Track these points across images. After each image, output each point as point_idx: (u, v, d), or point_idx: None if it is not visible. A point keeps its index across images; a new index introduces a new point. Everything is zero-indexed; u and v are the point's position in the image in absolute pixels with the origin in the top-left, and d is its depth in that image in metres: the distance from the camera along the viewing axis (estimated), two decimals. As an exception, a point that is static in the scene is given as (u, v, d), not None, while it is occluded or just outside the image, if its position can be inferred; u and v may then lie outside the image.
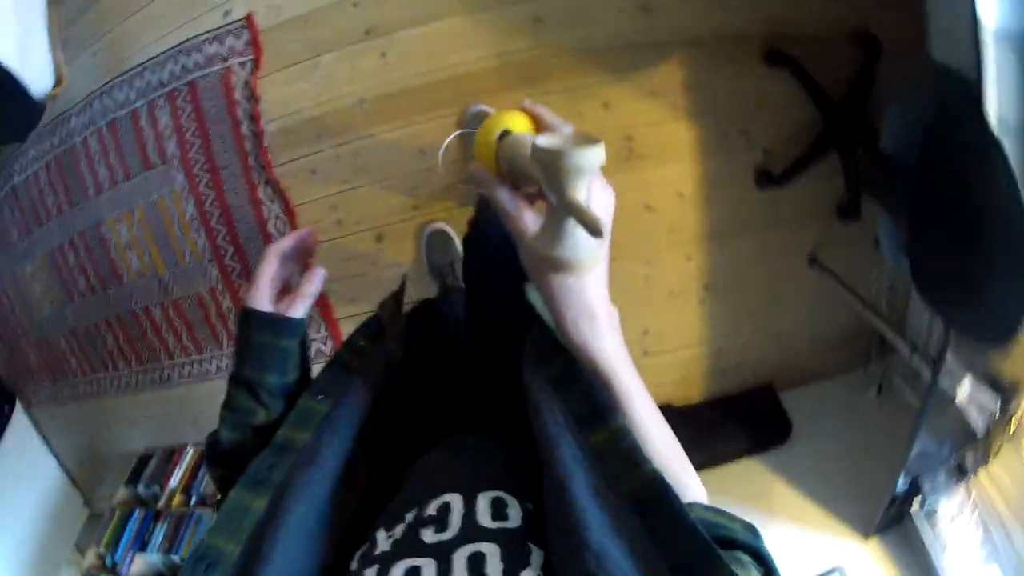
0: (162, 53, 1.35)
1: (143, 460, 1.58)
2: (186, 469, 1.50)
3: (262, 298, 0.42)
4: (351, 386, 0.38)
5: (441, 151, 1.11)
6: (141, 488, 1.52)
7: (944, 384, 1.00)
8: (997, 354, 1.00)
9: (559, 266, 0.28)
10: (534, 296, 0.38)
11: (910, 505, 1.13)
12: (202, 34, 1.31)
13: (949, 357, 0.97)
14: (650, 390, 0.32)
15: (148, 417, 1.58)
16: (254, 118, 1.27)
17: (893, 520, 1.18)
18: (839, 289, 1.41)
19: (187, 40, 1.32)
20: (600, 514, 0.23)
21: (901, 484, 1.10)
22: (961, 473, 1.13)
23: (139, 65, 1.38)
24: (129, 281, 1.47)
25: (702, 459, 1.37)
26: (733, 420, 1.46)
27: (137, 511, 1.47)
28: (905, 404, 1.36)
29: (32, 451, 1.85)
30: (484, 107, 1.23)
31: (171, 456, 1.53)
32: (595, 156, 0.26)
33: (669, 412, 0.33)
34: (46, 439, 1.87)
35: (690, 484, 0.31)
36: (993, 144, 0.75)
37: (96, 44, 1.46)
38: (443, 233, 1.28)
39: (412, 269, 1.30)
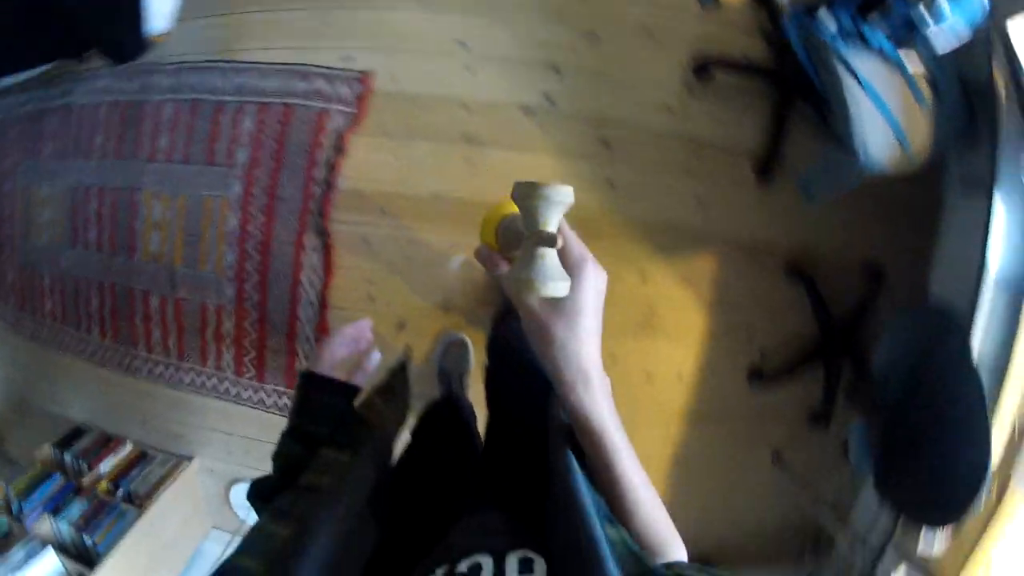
0: (272, 64, 1.35)
1: (76, 432, 1.47)
2: (121, 461, 1.40)
3: (327, 368, 0.51)
4: (370, 439, 0.43)
5: (456, 264, 1.15)
6: (68, 457, 1.41)
7: (880, 573, 1.04)
8: (932, 549, 1.06)
9: (530, 287, 0.32)
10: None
11: None
12: (318, 66, 1.32)
13: (889, 549, 1.03)
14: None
15: (98, 394, 1.49)
16: (333, 167, 1.26)
17: None
18: (792, 487, 1.46)
19: (301, 64, 1.33)
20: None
21: None
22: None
23: (246, 62, 1.37)
24: (140, 259, 1.41)
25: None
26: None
27: (58, 475, 1.37)
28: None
29: (-39, 358, 1.73)
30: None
31: (107, 442, 1.44)
32: (562, 191, 0.32)
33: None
34: (-18, 355, 1.75)
35: (671, 541, 0.36)
36: (973, 379, 0.84)
37: (213, 18, 1.45)
38: (462, 343, 1.26)
39: (423, 367, 1.27)
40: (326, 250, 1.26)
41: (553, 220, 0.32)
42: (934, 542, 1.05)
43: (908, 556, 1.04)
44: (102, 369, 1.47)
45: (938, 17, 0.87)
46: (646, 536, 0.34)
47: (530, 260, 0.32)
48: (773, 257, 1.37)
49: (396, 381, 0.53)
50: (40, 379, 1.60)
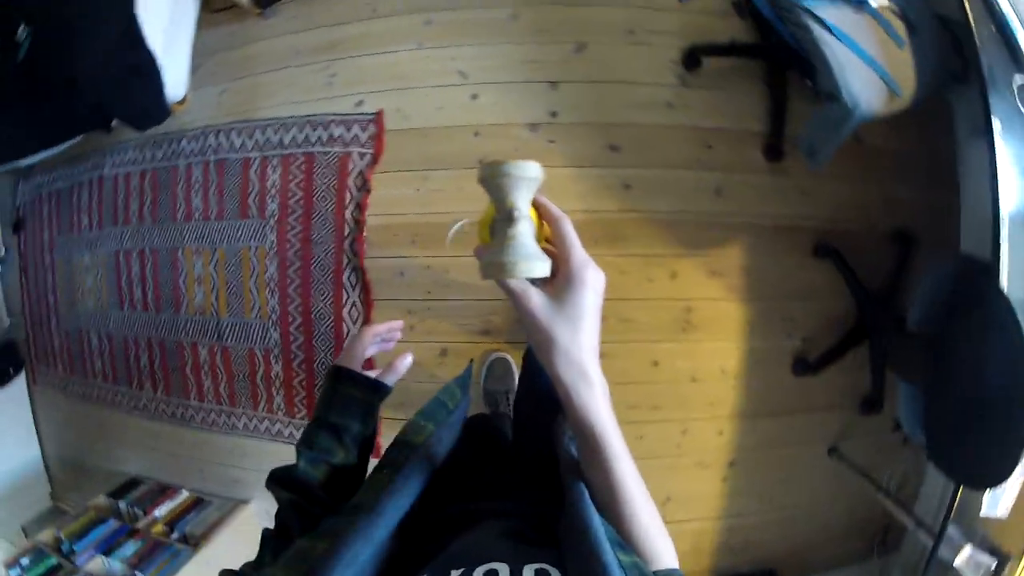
0: (290, 117, 1.43)
1: (132, 483, 1.53)
2: (176, 506, 1.44)
3: (356, 364, 0.52)
4: (411, 457, 0.43)
5: (452, 231, 1.17)
6: (123, 504, 1.46)
7: (944, 554, 1.01)
8: (995, 527, 1.03)
9: (501, 269, 0.30)
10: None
11: None
12: (332, 114, 1.40)
13: (951, 528, 1.00)
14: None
15: (153, 448, 1.55)
16: (360, 207, 1.33)
17: None
18: (853, 479, 1.42)
19: (316, 115, 1.41)
20: None
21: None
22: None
23: (265, 119, 1.46)
24: (186, 313, 1.48)
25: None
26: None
27: (112, 521, 1.41)
28: (904, 598, 1.35)
29: (17, 424, 1.80)
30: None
31: (163, 490, 1.49)
32: (525, 166, 0.30)
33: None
34: (37, 421, 1.82)
35: (663, 549, 0.36)
36: (1007, 313, 0.81)
37: (228, 84, 1.55)
38: (505, 362, 1.30)
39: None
40: (364, 286, 1.33)
41: (522, 198, 0.30)
42: (998, 504, 1.02)
43: (970, 528, 1.01)
44: (156, 423, 1.53)
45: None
46: (641, 544, 0.35)
47: (500, 242, 0.30)
48: (799, 238, 1.37)
49: (448, 399, 0.51)
50: (94, 438, 1.66)
